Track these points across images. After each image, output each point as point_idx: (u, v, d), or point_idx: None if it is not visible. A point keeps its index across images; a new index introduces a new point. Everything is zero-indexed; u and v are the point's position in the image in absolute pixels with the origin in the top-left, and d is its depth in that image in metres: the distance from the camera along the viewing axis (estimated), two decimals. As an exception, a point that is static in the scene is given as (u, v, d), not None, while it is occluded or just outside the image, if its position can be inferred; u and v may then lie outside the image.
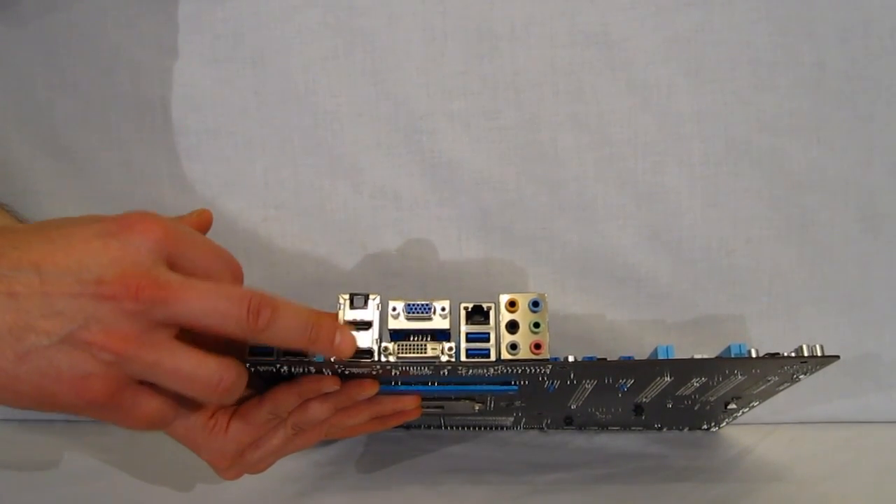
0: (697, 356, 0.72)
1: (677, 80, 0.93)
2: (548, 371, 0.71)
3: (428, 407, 0.81)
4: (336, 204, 0.95)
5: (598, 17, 0.92)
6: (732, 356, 0.72)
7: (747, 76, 0.93)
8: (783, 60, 0.92)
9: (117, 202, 0.95)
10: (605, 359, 0.73)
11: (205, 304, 0.60)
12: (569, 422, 0.92)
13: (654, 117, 0.93)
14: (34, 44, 0.94)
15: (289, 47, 0.93)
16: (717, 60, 0.93)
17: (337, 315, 0.69)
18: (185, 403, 0.68)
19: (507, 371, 0.71)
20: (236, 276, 0.65)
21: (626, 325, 0.96)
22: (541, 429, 0.95)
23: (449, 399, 0.80)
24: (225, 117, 0.95)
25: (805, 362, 0.72)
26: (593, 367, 0.73)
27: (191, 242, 0.63)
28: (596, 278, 0.96)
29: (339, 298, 0.70)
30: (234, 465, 0.73)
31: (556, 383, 0.76)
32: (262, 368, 0.71)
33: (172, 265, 0.62)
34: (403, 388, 0.76)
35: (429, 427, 0.95)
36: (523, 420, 0.91)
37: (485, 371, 0.71)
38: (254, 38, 0.93)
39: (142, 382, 0.62)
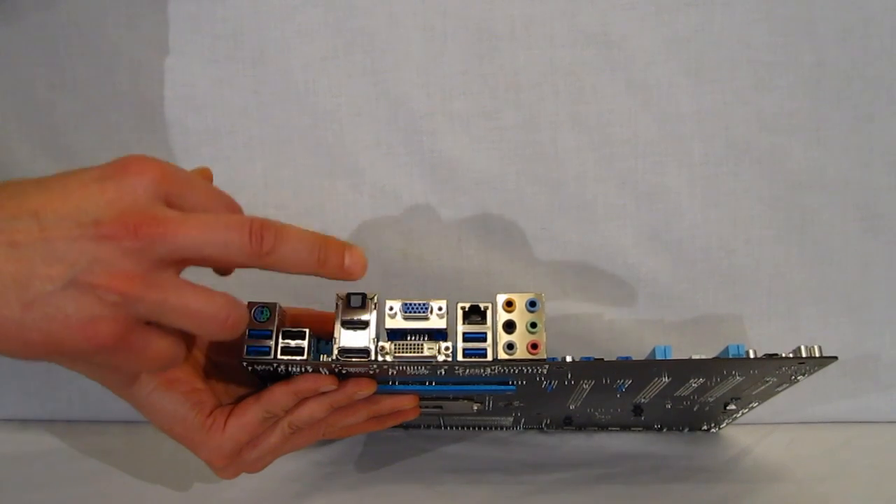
0: (695, 357, 0.72)
1: (677, 80, 0.93)
2: (545, 371, 0.71)
3: (426, 407, 0.82)
4: (336, 204, 0.96)
5: (598, 17, 0.92)
6: (730, 357, 0.72)
7: (747, 76, 0.93)
8: (783, 60, 0.92)
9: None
10: (602, 359, 0.73)
11: (205, 233, 0.60)
12: (568, 422, 0.92)
13: (654, 117, 0.93)
14: (34, 43, 0.94)
15: (289, 47, 0.93)
16: (717, 60, 0.93)
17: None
18: (192, 341, 0.68)
19: (505, 371, 0.71)
20: (250, 234, 0.62)
21: (626, 325, 0.96)
22: (540, 429, 0.95)
23: (447, 399, 0.80)
24: (225, 117, 0.95)
25: (803, 363, 0.72)
26: (591, 367, 0.73)
27: (188, 182, 0.62)
28: (596, 278, 0.96)
29: (336, 297, 0.70)
30: (231, 464, 0.73)
31: (554, 383, 0.76)
32: (259, 367, 0.71)
33: (170, 204, 0.61)
34: (401, 387, 0.76)
35: (428, 427, 0.95)
36: (522, 420, 0.91)
37: (482, 371, 0.71)
38: (254, 38, 0.93)
39: (149, 323, 0.61)
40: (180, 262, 0.61)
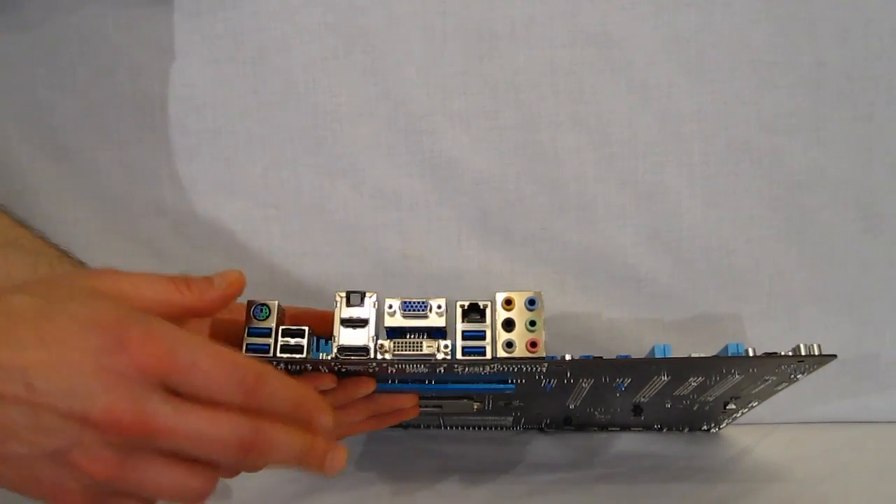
0: (694, 355, 0.72)
1: (677, 80, 0.93)
2: (544, 369, 0.71)
3: (426, 406, 0.82)
4: (336, 204, 0.96)
5: (598, 17, 0.92)
6: (729, 355, 0.72)
7: (747, 76, 0.93)
8: (783, 60, 0.92)
9: (117, 202, 0.96)
10: (601, 357, 0.73)
11: (193, 439, 0.59)
12: (568, 422, 0.92)
13: (654, 117, 0.93)
14: (35, 44, 0.94)
15: (289, 47, 0.93)
16: (717, 60, 0.92)
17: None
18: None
19: (504, 369, 0.71)
20: (247, 388, 0.61)
21: (626, 325, 0.96)
22: (540, 429, 0.95)
23: (447, 398, 0.80)
24: (225, 117, 0.95)
25: (802, 361, 0.72)
26: (590, 365, 0.73)
27: (192, 365, 0.60)
28: (596, 278, 0.96)
29: (335, 296, 0.70)
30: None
31: (554, 382, 0.76)
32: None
33: (169, 387, 0.60)
34: (400, 386, 0.76)
35: (428, 427, 0.95)
36: (522, 420, 0.91)
37: (481, 369, 0.71)
38: (254, 38, 0.93)
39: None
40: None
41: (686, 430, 0.95)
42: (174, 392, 0.59)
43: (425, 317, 0.71)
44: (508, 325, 0.69)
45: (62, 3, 0.93)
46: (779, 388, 0.81)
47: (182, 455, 0.60)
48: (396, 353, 0.70)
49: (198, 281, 0.68)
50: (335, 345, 0.70)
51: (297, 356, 0.70)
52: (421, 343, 0.69)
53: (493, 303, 0.70)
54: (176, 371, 0.59)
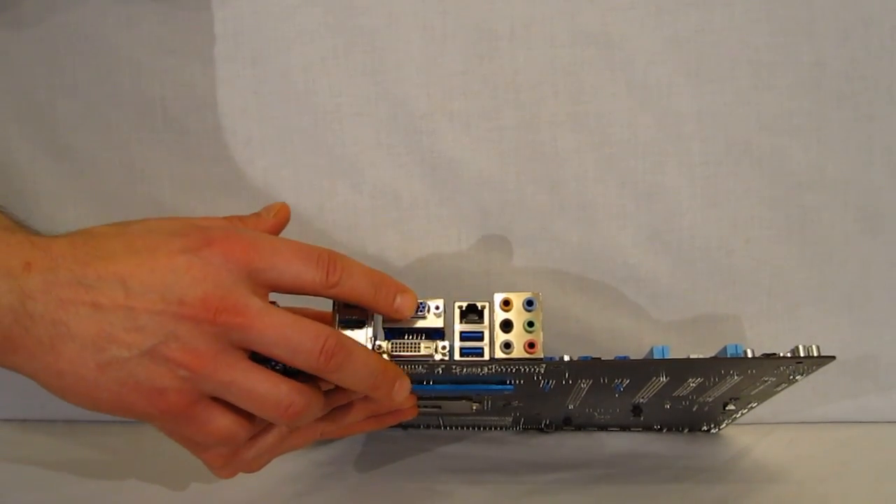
0: (693, 356, 0.72)
1: (677, 80, 0.93)
2: (542, 370, 0.71)
3: (425, 406, 0.82)
4: (336, 204, 0.96)
5: (598, 17, 0.92)
6: (728, 356, 0.72)
7: (747, 76, 0.92)
8: (783, 60, 0.92)
9: (117, 202, 0.96)
10: (599, 358, 0.73)
11: (279, 335, 0.63)
12: (568, 422, 0.92)
13: (654, 117, 0.93)
14: (35, 44, 0.94)
15: (289, 47, 0.93)
16: (717, 60, 0.92)
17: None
18: (259, 422, 0.70)
19: (502, 370, 0.71)
20: (322, 266, 0.66)
21: (626, 325, 0.96)
22: (540, 429, 0.95)
23: (446, 398, 0.80)
24: (225, 117, 0.95)
25: (801, 363, 0.72)
26: (588, 366, 0.73)
27: (272, 255, 0.65)
28: (596, 278, 0.96)
29: None
30: (229, 463, 0.73)
31: (552, 383, 0.76)
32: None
33: (256, 280, 0.64)
34: (399, 386, 0.76)
35: (427, 427, 0.95)
36: (522, 420, 0.91)
37: (479, 370, 0.71)
38: (254, 38, 0.93)
39: (216, 399, 0.65)
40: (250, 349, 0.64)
41: (686, 430, 0.95)
42: (261, 286, 0.64)
43: (423, 318, 0.71)
44: (506, 325, 0.69)
45: (62, 3, 0.93)
46: (778, 389, 0.81)
47: (267, 354, 0.64)
48: (394, 353, 0.70)
49: (248, 217, 0.75)
50: (333, 345, 0.70)
51: None
52: (419, 344, 0.69)
53: (491, 304, 0.70)
54: (260, 258, 0.64)
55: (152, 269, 0.61)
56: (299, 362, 0.65)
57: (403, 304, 0.70)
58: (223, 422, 0.66)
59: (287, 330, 0.63)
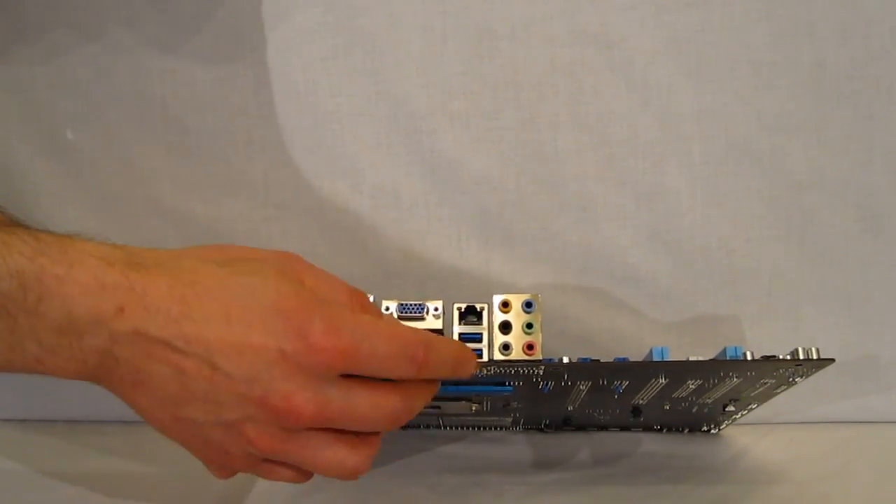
0: (692, 358, 0.72)
1: (677, 80, 0.93)
2: (541, 372, 0.71)
3: (424, 407, 0.81)
4: (336, 204, 0.96)
5: (598, 17, 0.92)
6: (727, 358, 0.72)
7: (747, 76, 0.92)
8: (783, 60, 0.92)
9: (117, 202, 0.96)
10: (598, 360, 0.73)
11: (359, 420, 0.64)
12: (567, 422, 0.92)
13: (654, 117, 0.93)
14: (34, 43, 0.94)
15: (289, 47, 0.93)
16: (717, 60, 0.92)
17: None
18: None
19: (501, 372, 0.71)
20: (415, 366, 0.63)
21: (626, 326, 0.96)
22: (540, 429, 0.95)
23: (445, 399, 0.80)
24: (225, 117, 0.95)
25: (801, 365, 0.72)
26: (587, 368, 0.73)
27: (368, 359, 0.62)
28: (596, 278, 0.96)
29: None
30: (227, 464, 0.73)
31: (551, 384, 0.76)
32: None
33: (346, 373, 0.63)
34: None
35: (427, 427, 0.95)
36: (522, 421, 0.91)
37: (478, 371, 0.71)
38: (254, 38, 0.93)
39: None
40: None
41: (685, 430, 0.95)
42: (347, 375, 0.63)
43: (422, 319, 0.71)
44: (505, 327, 0.69)
45: (62, 3, 0.93)
46: (777, 390, 0.81)
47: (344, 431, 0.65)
48: None
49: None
50: (332, 346, 0.70)
51: None
52: None
53: (490, 305, 0.70)
54: (354, 363, 0.62)
55: (241, 351, 0.60)
56: (371, 431, 0.66)
57: (469, 372, 0.69)
58: (286, 474, 0.67)
59: (365, 415, 0.63)
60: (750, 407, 0.87)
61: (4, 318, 0.58)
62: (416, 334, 0.64)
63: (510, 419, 0.90)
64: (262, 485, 0.85)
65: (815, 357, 0.70)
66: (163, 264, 0.62)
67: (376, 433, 0.68)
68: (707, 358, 0.72)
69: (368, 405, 0.63)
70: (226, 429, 0.62)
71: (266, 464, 0.66)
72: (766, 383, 0.78)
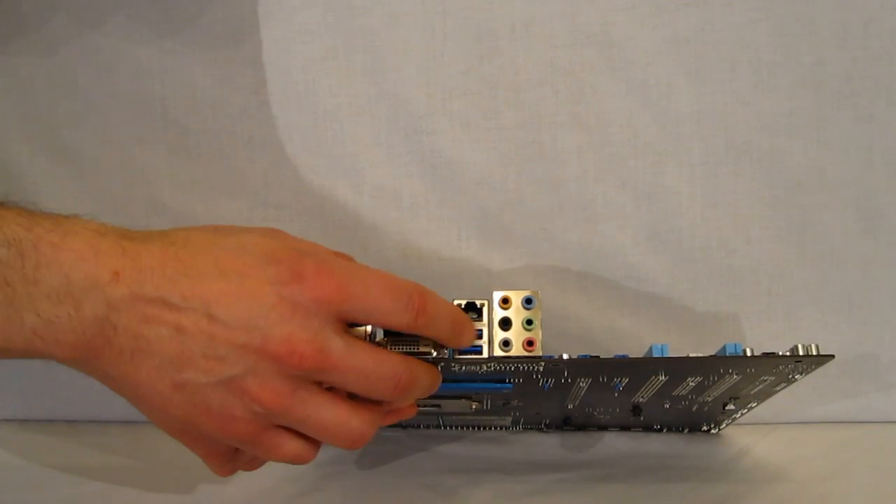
0: (692, 355, 0.72)
1: (677, 80, 0.93)
2: (541, 368, 0.71)
3: (424, 406, 0.82)
4: (336, 204, 0.96)
5: (598, 17, 0.92)
6: (727, 355, 0.72)
7: (747, 76, 0.92)
8: (783, 60, 0.92)
9: (117, 202, 0.96)
10: (598, 356, 0.72)
11: (358, 376, 0.64)
12: (567, 422, 0.92)
13: (654, 117, 0.93)
14: (34, 43, 0.94)
15: (289, 47, 0.93)
16: (717, 60, 0.92)
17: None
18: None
19: (501, 368, 0.71)
20: (412, 309, 0.65)
21: (626, 325, 0.96)
22: (540, 429, 0.95)
23: (445, 397, 0.80)
24: (225, 117, 0.95)
25: (800, 361, 0.72)
26: (586, 364, 0.73)
27: (363, 296, 0.64)
28: (596, 278, 0.96)
29: None
30: (228, 461, 0.73)
31: (551, 381, 0.76)
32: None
33: (342, 318, 0.64)
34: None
35: (427, 427, 0.95)
36: (522, 420, 0.91)
37: (478, 368, 0.71)
38: (254, 38, 0.93)
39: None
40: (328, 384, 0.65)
41: (686, 430, 0.95)
42: (345, 322, 0.64)
43: None
44: (505, 323, 0.69)
45: (62, 3, 0.93)
46: (777, 388, 0.81)
47: (343, 392, 0.66)
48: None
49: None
50: (332, 343, 0.70)
51: None
52: (417, 341, 0.69)
53: (490, 301, 0.70)
54: (350, 300, 0.63)
55: (238, 298, 0.61)
56: (375, 396, 0.66)
57: (468, 341, 0.69)
58: (292, 446, 0.67)
59: (367, 370, 0.64)
60: (750, 406, 0.87)
61: (3, 288, 0.58)
62: (411, 282, 0.65)
63: (510, 419, 0.90)
64: (262, 485, 0.85)
65: (814, 353, 0.70)
66: (153, 235, 0.64)
67: (378, 403, 0.68)
68: (706, 354, 0.72)
69: (370, 360, 0.64)
70: (227, 389, 0.61)
71: (270, 434, 0.65)
72: (765, 380, 0.78)
